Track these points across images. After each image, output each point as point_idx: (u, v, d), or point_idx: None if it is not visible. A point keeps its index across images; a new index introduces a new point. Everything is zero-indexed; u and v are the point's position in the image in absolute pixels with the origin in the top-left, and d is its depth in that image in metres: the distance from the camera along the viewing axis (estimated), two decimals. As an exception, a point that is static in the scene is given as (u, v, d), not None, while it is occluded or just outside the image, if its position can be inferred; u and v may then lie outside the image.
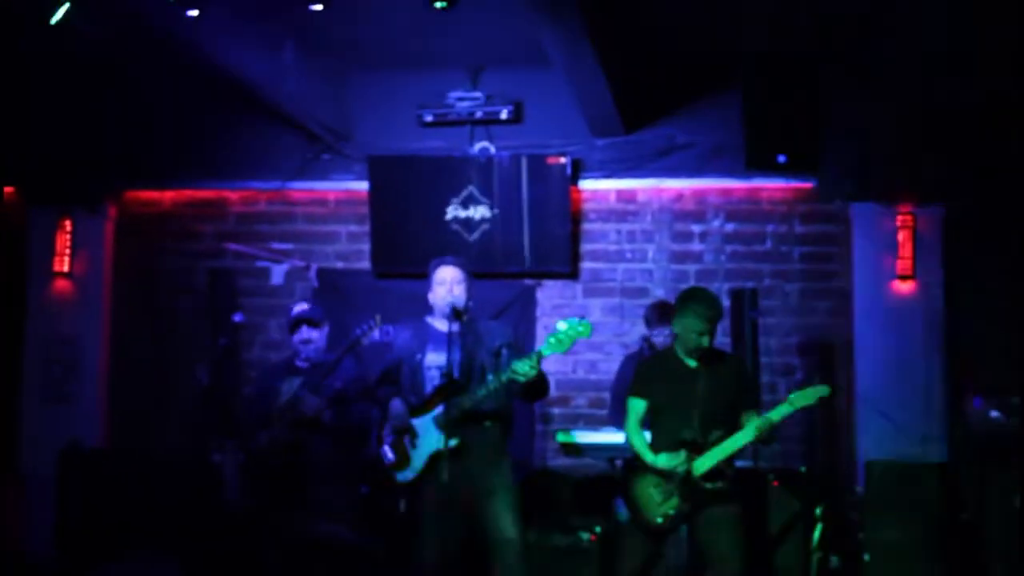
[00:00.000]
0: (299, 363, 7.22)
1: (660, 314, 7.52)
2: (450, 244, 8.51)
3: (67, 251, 9.09)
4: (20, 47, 7.76)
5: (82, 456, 8.27)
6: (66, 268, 9.09)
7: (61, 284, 9.11)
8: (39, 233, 9.14)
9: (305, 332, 7.22)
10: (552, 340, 6.01)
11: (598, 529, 7.26)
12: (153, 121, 8.96)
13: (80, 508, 8.01)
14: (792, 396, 6.29)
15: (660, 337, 7.48)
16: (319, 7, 6.72)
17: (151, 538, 7.73)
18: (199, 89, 8.59)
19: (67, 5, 6.63)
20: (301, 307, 7.43)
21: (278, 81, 8.06)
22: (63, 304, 9.10)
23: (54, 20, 6.66)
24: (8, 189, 9.29)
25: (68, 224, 9.09)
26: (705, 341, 6.22)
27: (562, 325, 6.01)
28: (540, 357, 6.00)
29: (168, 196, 9.37)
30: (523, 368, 5.96)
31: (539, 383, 6.18)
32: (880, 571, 7.44)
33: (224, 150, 9.15)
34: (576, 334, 6.00)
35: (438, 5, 6.51)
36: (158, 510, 7.91)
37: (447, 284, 6.35)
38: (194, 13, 6.70)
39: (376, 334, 7.12)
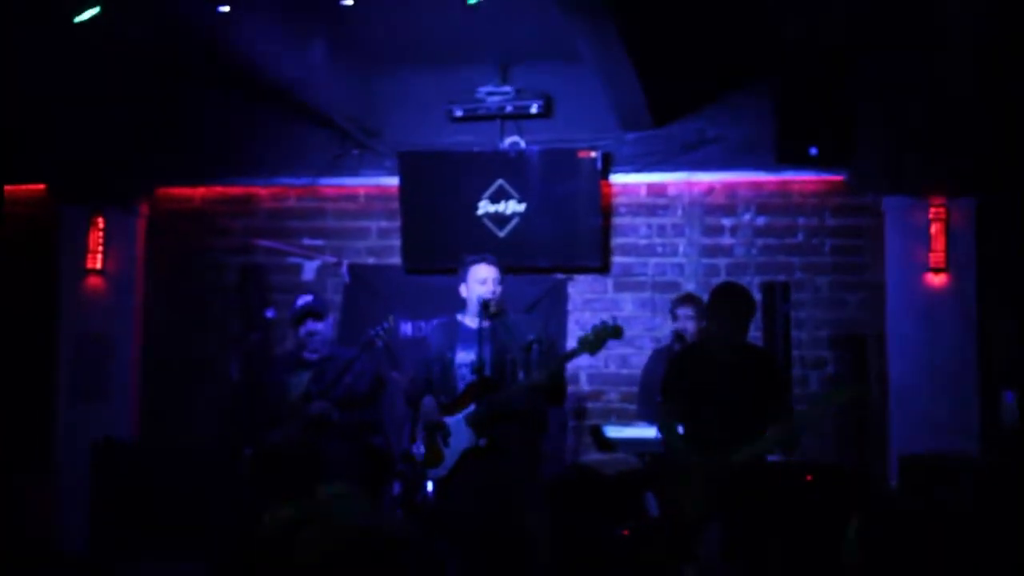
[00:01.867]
0: (307, 355, 7.25)
1: (681, 298, 7.82)
2: (481, 239, 8.52)
3: (99, 248, 9.12)
4: (51, 45, 7.81)
5: (115, 451, 8.30)
6: (99, 265, 9.12)
7: (94, 281, 9.16)
8: (70, 231, 9.18)
9: (310, 324, 7.26)
10: (582, 341, 6.04)
11: (631, 525, 7.25)
12: (185, 118, 8.99)
13: (113, 503, 8.03)
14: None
15: (683, 320, 7.63)
16: (350, 2, 6.72)
17: (183, 532, 7.76)
18: (230, 86, 8.62)
19: (96, 8, 6.65)
20: (305, 299, 7.46)
21: (308, 78, 8.07)
22: (95, 301, 9.14)
23: (78, 19, 6.67)
24: (39, 187, 9.35)
25: (100, 221, 9.12)
26: (737, 337, 6.21)
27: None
28: (567, 359, 6.04)
29: (199, 193, 9.40)
30: (546, 374, 6.01)
31: (559, 390, 6.20)
32: (913, 566, 7.40)
33: (255, 147, 9.18)
34: (607, 336, 6.02)
35: (470, 1, 6.49)
36: (190, 504, 7.94)
37: (488, 283, 6.35)
38: (225, 9, 6.71)
39: (385, 333, 7.14)
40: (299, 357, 7.32)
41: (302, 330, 7.30)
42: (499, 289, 6.36)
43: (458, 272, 6.56)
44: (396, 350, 8.34)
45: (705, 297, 7.16)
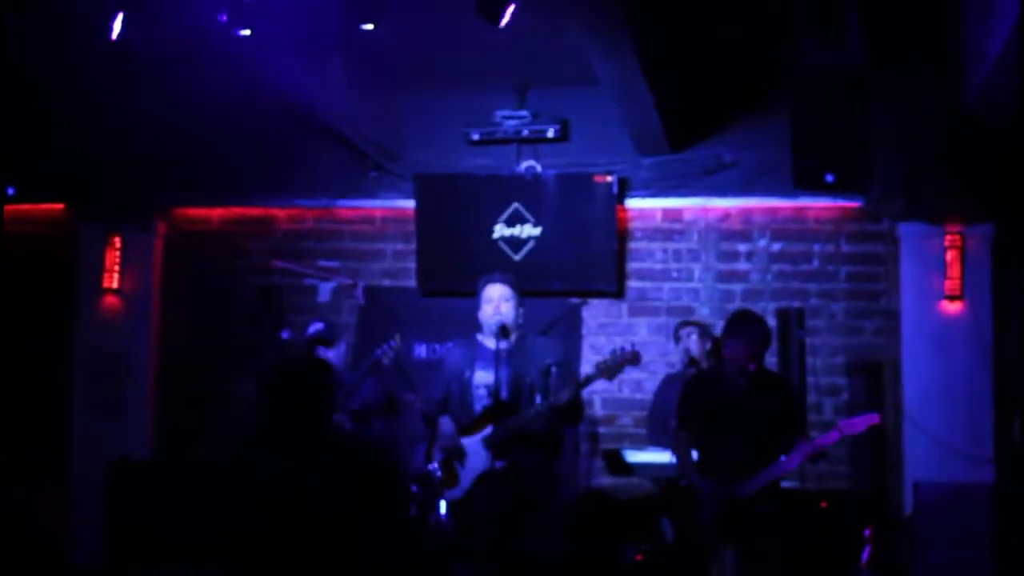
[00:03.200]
0: None
1: (682, 323, 7.96)
2: (496, 262, 8.51)
3: (116, 267, 9.18)
4: (70, 65, 7.85)
5: (130, 468, 8.34)
6: (115, 284, 9.17)
7: (110, 300, 9.20)
8: (88, 249, 9.24)
9: (321, 352, 7.26)
10: (600, 366, 6.06)
11: (645, 549, 7.24)
12: (202, 139, 9.03)
13: (128, 519, 8.07)
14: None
15: (686, 340, 7.74)
16: (369, 27, 6.76)
17: (198, 550, 7.77)
18: (248, 108, 8.64)
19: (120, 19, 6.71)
20: (315, 327, 7.46)
21: (327, 100, 8.11)
22: (112, 320, 9.19)
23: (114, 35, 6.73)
24: (58, 206, 9.40)
25: (117, 241, 9.18)
26: (752, 364, 6.22)
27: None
28: (585, 384, 6.06)
29: (216, 213, 9.45)
30: (564, 396, 6.02)
31: (574, 410, 6.21)
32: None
33: (272, 168, 9.22)
34: (625, 362, 6.03)
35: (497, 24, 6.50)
36: (205, 522, 7.95)
37: (494, 302, 6.35)
38: (246, 32, 6.76)
39: (392, 351, 7.13)
40: None
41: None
42: (511, 307, 6.34)
43: (475, 294, 6.57)
44: (409, 371, 8.36)
45: (720, 322, 7.17)
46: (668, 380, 7.98)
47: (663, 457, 7.17)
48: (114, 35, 6.74)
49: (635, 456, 7.56)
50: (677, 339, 7.91)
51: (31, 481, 8.88)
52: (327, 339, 7.34)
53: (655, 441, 7.65)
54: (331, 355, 7.33)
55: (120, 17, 6.72)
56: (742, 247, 8.86)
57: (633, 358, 6.08)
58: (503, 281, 6.45)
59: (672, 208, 8.94)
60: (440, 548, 6.54)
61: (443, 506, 6.40)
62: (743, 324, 6.34)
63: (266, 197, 9.32)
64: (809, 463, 6.46)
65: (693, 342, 7.74)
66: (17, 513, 8.64)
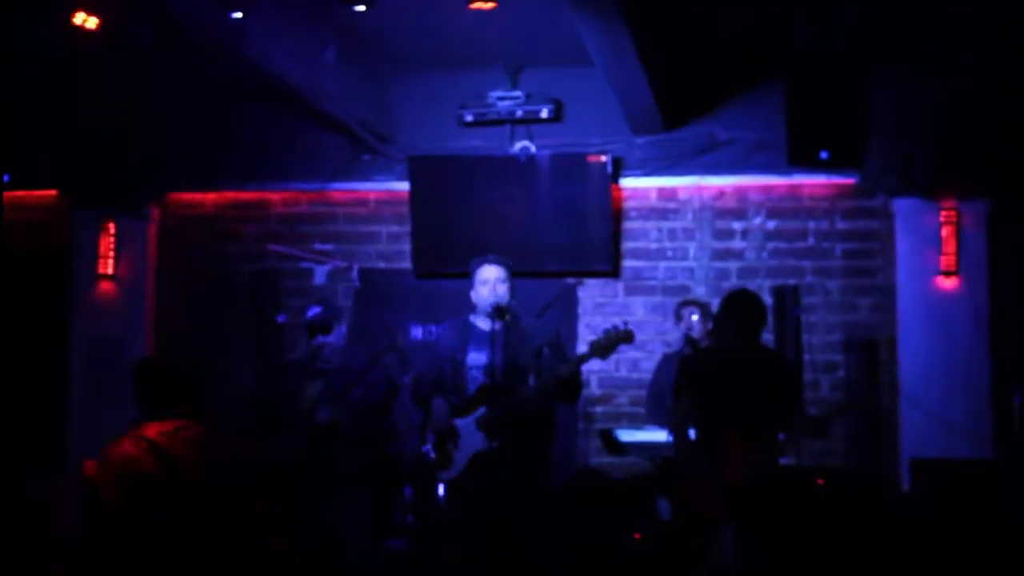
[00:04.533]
0: (320, 365, 7.25)
1: (684, 302, 7.99)
2: (491, 243, 8.52)
3: (111, 253, 9.17)
4: (62, 50, 7.83)
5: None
6: (110, 270, 9.16)
7: (105, 286, 9.19)
8: (83, 236, 9.22)
9: (319, 338, 7.27)
10: (594, 345, 6.05)
11: (643, 529, 7.25)
12: (195, 123, 9.01)
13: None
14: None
15: (688, 318, 7.72)
16: (362, 8, 6.73)
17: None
18: (241, 91, 8.63)
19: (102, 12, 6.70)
20: (313, 311, 7.44)
21: (320, 83, 8.09)
22: (108, 306, 9.19)
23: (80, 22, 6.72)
24: (52, 192, 9.39)
25: (112, 227, 9.17)
26: (750, 342, 6.22)
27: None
28: (580, 362, 6.05)
29: (210, 198, 9.43)
30: (562, 373, 6.02)
31: (573, 385, 6.21)
32: (928, 571, 7.38)
33: (266, 152, 9.20)
34: (619, 340, 6.03)
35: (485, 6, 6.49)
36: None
37: (490, 283, 6.36)
38: (238, 15, 6.73)
39: (389, 349, 7.18)
40: (313, 366, 7.32)
41: (312, 341, 7.32)
42: (505, 289, 6.35)
43: (469, 276, 6.57)
44: (406, 354, 8.35)
45: (716, 300, 7.17)
46: (666, 359, 7.99)
47: (656, 436, 7.18)
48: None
49: (628, 435, 7.57)
50: (679, 318, 7.90)
51: (30, 468, 8.87)
52: (324, 325, 7.31)
53: (655, 420, 7.66)
54: (330, 339, 7.31)
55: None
56: (737, 225, 8.86)
57: (626, 336, 6.09)
58: (497, 262, 6.46)
59: (667, 187, 8.92)
60: (436, 530, 6.55)
61: (440, 489, 6.42)
62: (740, 303, 6.34)
63: (260, 181, 9.30)
64: (815, 437, 6.48)
65: (695, 322, 7.73)
66: (15, 501, 8.64)
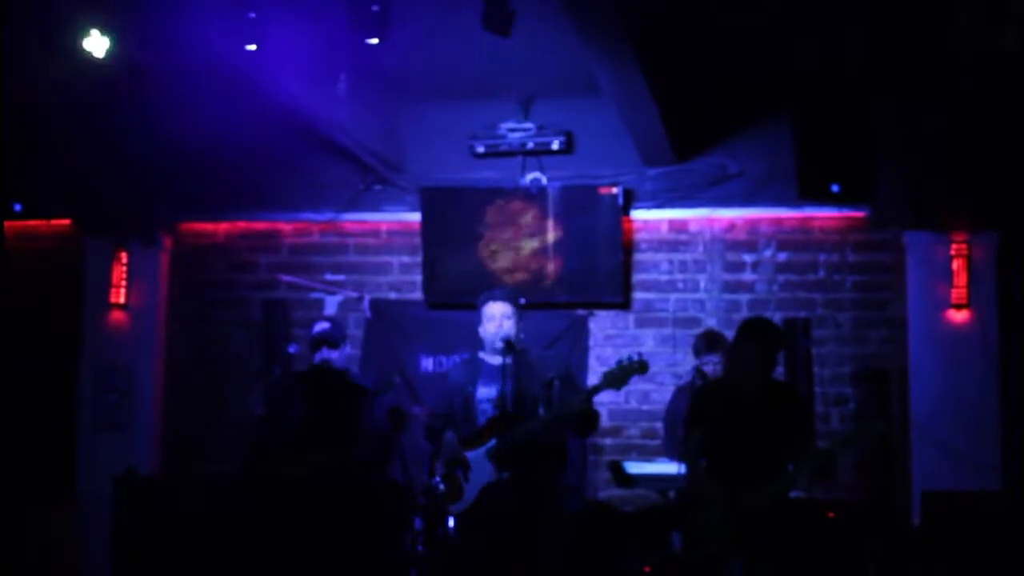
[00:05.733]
0: None
1: (709, 343, 7.57)
2: (502, 275, 8.56)
3: (123, 283, 9.18)
4: (75, 80, 7.87)
5: (137, 483, 8.33)
6: (122, 300, 9.18)
7: (117, 315, 9.21)
8: (95, 264, 9.25)
9: (325, 352, 7.27)
10: (607, 376, 6.04)
11: (653, 561, 7.22)
12: (208, 153, 9.04)
13: (135, 534, 8.06)
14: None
15: (710, 366, 7.50)
16: (374, 41, 6.77)
17: (204, 565, 7.77)
18: (253, 121, 8.65)
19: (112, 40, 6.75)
20: (321, 326, 7.45)
21: (332, 113, 8.13)
22: (118, 334, 9.20)
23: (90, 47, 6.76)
24: (64, 221, 9.43)
25: (124, 256, 9.19)
26: (763, 373, 6.21)
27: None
28: (593, 393, 6.05)
29: (222, 228, 9.46)
30: (575, 403, 6.02)
31: (589, 418, 6.20)
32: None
33: (278, 182, 9.24)
34: (632, 371, 6.02)
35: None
36: (212, 537, 7.94)
37: (496, 319, 6.37)
38: (252, 47, 6.78)
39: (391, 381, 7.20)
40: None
41: (316, 357, 7.33)
42: (511, 324, 6.35)
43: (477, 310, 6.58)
44: (415, 384, 8.35)
45: (728, 332, 7.15)
46: (679, 391, 7.95)
47: (666, 468, 7.15)
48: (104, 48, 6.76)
49: (637, 468, 7.54)
50: (697, 354, 7.71)
51: (38, 495, 8.88)
52: (331, 340, 7.32)
53: (669, 453, 7.63)
54: (335, 355, 7.33)
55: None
56: (748, 257, 8.86)
57: (640, 367, 6.07)
58: (504, 298, 6.46)
59: (678, 219, 8.93)
60: (446, 561, 6.53)
61: (450, 520, 6.40)
62: (756, 332, 6.32)
63: (271, 211, 9.33)
64: (820, 478, 6.44)
65: (713, 371, 7.55)
66: (24, 529, 8.65)
